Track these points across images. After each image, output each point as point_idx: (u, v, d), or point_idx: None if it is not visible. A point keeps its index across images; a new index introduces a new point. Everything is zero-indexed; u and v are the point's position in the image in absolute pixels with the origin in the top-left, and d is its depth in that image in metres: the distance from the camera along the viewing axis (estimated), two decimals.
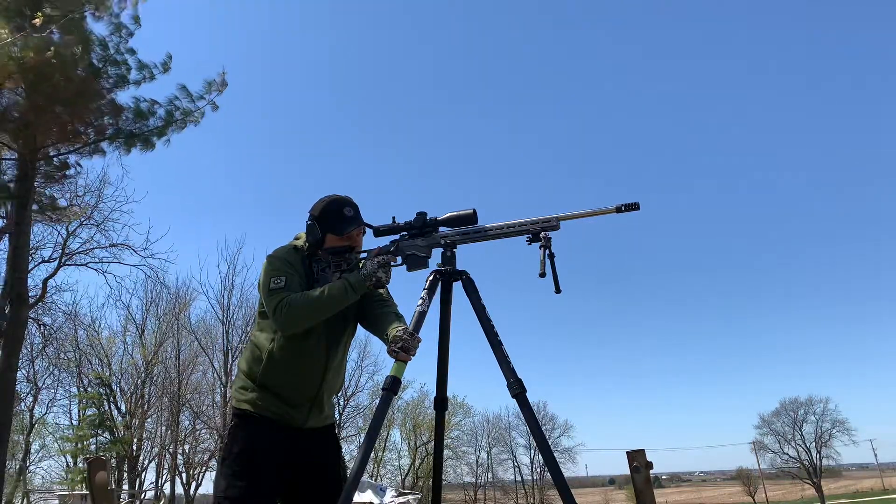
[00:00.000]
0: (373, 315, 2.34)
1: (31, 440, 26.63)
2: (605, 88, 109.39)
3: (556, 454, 2.12)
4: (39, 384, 24.94)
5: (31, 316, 12.78)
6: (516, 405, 2.09)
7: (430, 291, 2.20)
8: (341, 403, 30.53)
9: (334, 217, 2.31)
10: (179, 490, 28.33)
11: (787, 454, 50.54)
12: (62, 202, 12.12)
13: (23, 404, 24.21)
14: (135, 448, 25.98)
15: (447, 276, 2.24)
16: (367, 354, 32.23)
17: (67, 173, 11.01)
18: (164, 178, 50.12)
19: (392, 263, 2.24)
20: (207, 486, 28.65)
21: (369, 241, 2.40)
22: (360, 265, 2.32)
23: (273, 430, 2.21)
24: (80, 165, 11.18)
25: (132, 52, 10.33)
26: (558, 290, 2.06)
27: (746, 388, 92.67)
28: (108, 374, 26.62)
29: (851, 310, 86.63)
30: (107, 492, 3.30)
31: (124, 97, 10.48)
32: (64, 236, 14.27)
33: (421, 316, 2.15)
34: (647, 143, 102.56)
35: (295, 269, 2.27)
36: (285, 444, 2.22)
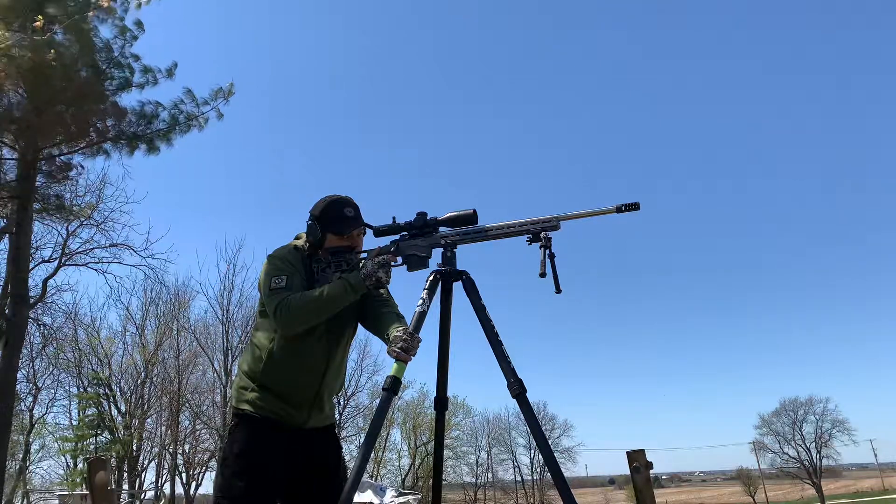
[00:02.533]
0: (373, 315, 2.35)
1: (30, 440, 26.62)
2: (607, 88, 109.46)
3: (556, 454, 2.12)
4: (39, 384, 24.97)
5: (31, 316, 12.77)
6: (516, 405, 2.09)
7: (431, 291, 2.19)
8: (341, 403, 30.55)
9: (335, 217, 2.31)
10: (179, 490, 28.39)
11: (787, 454, 50.58)
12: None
13: (23, 404, 24.20)
14: (135, 448, 25.99)
15: (447, 277, 2.24)
16: (367, 354, 32.29)
17: (70, 174, 11.02)
18: (163, 178, 50.14)
19: (392, 263, 2.24)
20: (207, 486, 28.67)
21: (369, 241, 2.41)
22: (361, 265, 2.33)
23: (273, 430, 2.21)
24: (82, 167, 11.21)
25: (136, 57, 10.34)
26: (559, 290, 2.06)
27: (746, 388, 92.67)
28: (107, 374, 26.63)
29: (851, 310, 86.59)
30: (107, 492, 3.30)
31: (128, 100, 10.51)
32: (64, 236, 14.29)
33: (421, 316, 2.15)
34: (648, 143, 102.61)
35: (296, 269, 2.27)
36: (285, 445, 2.22)
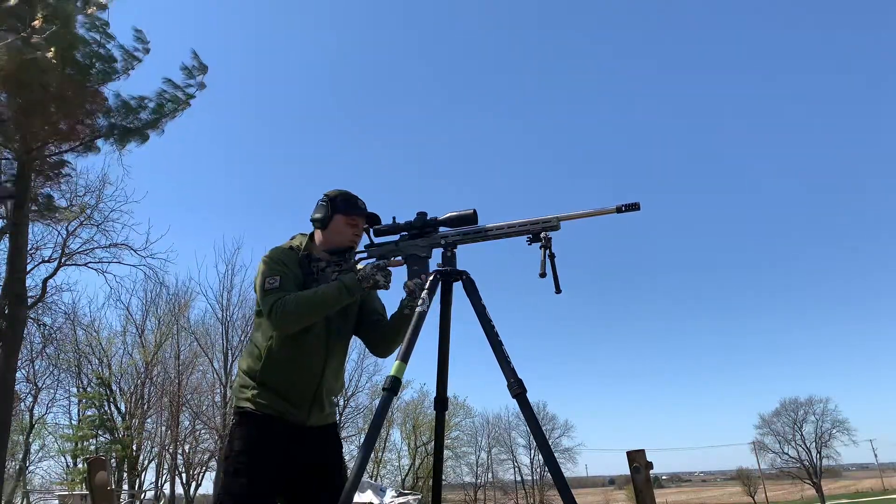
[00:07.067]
0: (367, 323, 2.43)
1: (30, 440, 26.62)
2: (606, 88, 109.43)
3: (556, 454, 2.11)
4: (39, 384, 24.95)
5: (31, 316, 12.78)
6: (516, 405, 2.08)
7: (431, 291, 2.18)
8: (341, 403, 30.53)
9: (348, 201, 2.37)
10: (179, 490, 28.40)
11: (788, 454, 50.62)
12: (62, 202, 12.15)
13: (23, 404, 24.19)
14: (135, 448, 25.98)
15: (447, 277, 2.23)
16: (367, 354, 32.23)
17: (63, 172, 11.02)
18: (162, 178, 50.15)
19: (389, 265, 2.25)
20: (207, 486, 28.72)
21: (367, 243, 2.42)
22: (359, 267, 2.34)
23: (274, 427, 2.22)
24: (72, 165, 11.20)
25: (110, 37, 10.17)
26: (558, 291, 2.05)
27: (746, 388, 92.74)
28: (107, 374, 26.63)
29: (851, 310, 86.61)
30: (107, 492, 3.30)
31: (113, 94, 10.46)
32: (64, 236, 14.29)
33: (421, 316, 2.14)
34: (648, 143, 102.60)
35: (290, 269, 2.28)
36: (287, 442, 2.22)
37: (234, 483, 2.15)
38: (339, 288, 2.17)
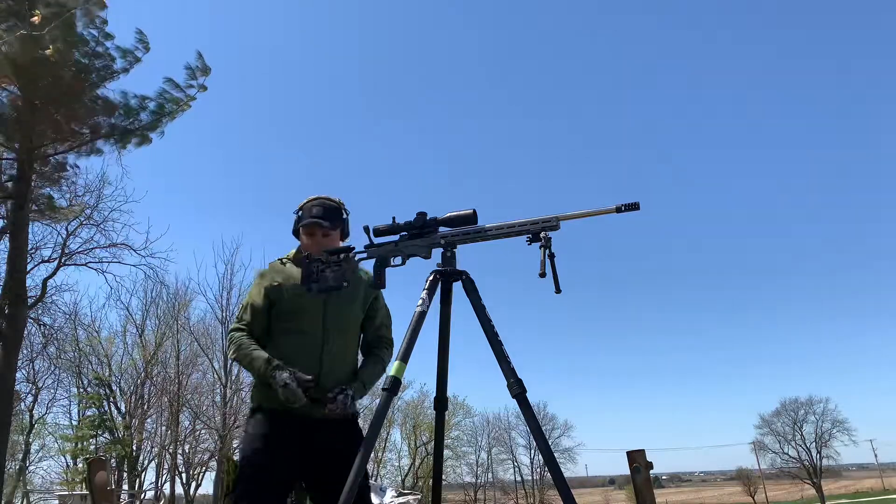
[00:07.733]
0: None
1: (30, 440, 26.63)
2: (606, 88, 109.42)
3: (556, 454, 2.11)
4: (39, 384, 24.98)
5: (31, 316, 12.77)
6: (516, 405, 2.08)
7: (431, 291, 2.19)
8: None
9: (305, 215, 2.48)
10: (179, 490, 28.40)
11: (788, 454, 50.61)
12: (62, 202, 12.13)
13: (23, 404, 24.20)
14: (135, 448, 25.98)
15: (447, 277, 2.23)
16: None
17: (64, 174, 11.01)
18: (162, 178, 50.18)
19: (301, 385, 2.28)
20: (207, 486, 28.70)
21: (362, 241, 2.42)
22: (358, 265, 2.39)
23: (283, 419, 2.30)
24: (77, 166, 11.20)
25: (109, 36, 10.16)
26: (558, 290, 2.05)
27: (746, 388, 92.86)
28: (107, 374, 26.63)
29: (851, 309, 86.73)
30: (107, 492, 3.30)
31: (114, 94, 10.43)
32: (64, 236, 14.25)
33: (421, 316, 2.14)
34: (648, 143, 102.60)
35: (270, 281, 2.44)
36: (294, 434, 2.29)
37: (245, 472, 2.27)
38: (261, 368, 2.30)
